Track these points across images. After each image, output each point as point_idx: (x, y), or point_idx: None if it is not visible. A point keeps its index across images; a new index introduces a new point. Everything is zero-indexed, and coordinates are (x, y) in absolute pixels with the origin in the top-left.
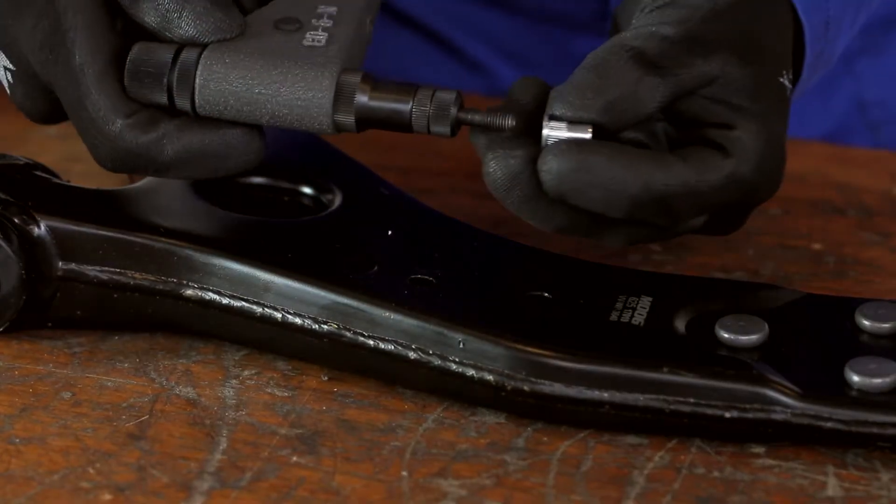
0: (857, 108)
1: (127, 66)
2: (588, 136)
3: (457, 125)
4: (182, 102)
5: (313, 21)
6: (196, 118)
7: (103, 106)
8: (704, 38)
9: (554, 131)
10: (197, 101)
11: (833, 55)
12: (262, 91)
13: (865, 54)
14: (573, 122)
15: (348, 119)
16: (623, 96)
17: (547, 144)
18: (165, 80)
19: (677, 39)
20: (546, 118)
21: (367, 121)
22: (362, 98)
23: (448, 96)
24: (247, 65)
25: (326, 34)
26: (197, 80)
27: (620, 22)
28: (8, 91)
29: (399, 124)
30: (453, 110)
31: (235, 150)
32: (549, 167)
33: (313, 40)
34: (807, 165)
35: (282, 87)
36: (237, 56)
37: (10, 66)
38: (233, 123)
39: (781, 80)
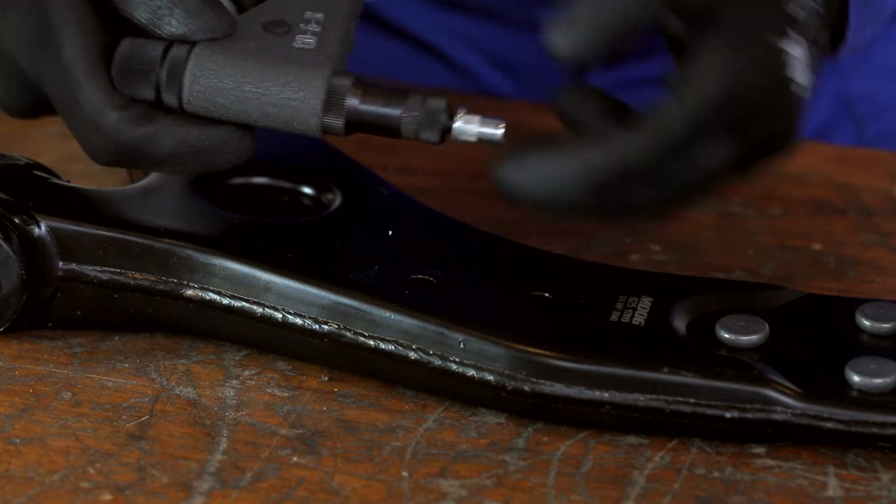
0: (843, 103)
1: (115, 61)
2: (500, 132)
3: (446, 132)
4: (170, 99)
5: (301, 25)
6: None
7: (96, 99)
8: None
9: (467, 125)
10: (185, 97)
11: (885, 7)
12: (253, 90)
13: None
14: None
15: (338, 122)
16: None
17: (458, 139)
18: (154, 76)
19: None
20: (460, 112)
21: (357, 124)
22: (352, 101)
23: (438, 104)
24: (238, 63)
25: (316, 38)
26: (186, 77)
27: None
28: None
29: (388, 129)
30: (443, 117)
31: (228, 145)
32: (497, 179)
33: (303, 43)
34: (807, 165)
35: (272, 86)
36: (228, 54)
37: None
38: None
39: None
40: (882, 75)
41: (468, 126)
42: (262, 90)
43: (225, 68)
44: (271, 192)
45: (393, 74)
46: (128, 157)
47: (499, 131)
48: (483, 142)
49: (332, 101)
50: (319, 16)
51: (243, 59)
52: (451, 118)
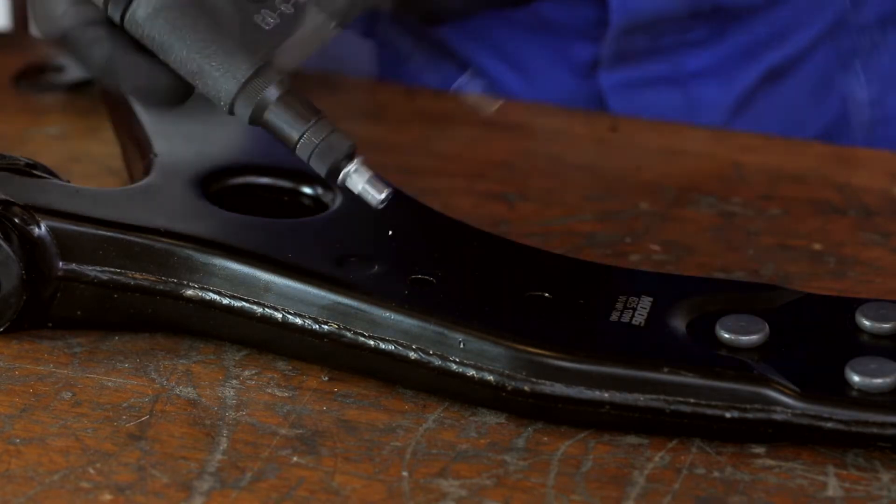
0: (851, 107)
1: None
2: (381, 197)
3: (335, 171)
4: (113, 12)
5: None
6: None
7: None
8: None
9: (356, 175)
10: (127, 16)
11: None
12: (188, 42)
13: (860, 53)
14: None
15: (244, 111)
16: None
17: (344, 184)
18: None
19: None
20: (357, 160)
21: (261, 122)
22: (266, 100)
23: (342, 144)
24: (189, 10)
25: (279, 20)
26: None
27: None
28: None
29: (286, 141)
30: (338, 157)
31: (155, 81)
32: None
33: (263, 20)
34: (807, 165)
35: (205, 49)
36: None
37: None
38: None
39: None
40: (891, 81)
41: (356, 177)
42: (196, 48)
43: (174, 10)
44: (271, 192)
45: (404, 71)
46: (67, 48)
47: (380, 196)
48: (362, 197)
49: (247, 90)
50: None
51: (197, 9)
52: (349, 160)
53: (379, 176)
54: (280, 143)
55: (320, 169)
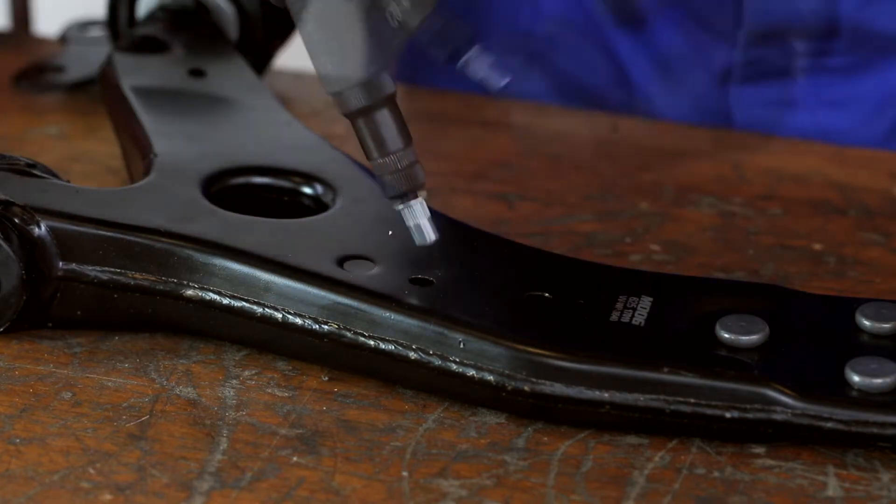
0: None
1: None
2: (426, 238)
3: (400, 196)
4: None
5: None
6: None
7: None
8: None
9: (417, 208)
10: None
11: None
12: (322, 20)
13: None
14: None
15: (342, 108)
16: None
17: (400, 211)
18: None
19: None
20: (421, 195)
21: (353, 121)
22: (363, 105)
23: (418, 175)
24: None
25: (400, 18)
26: None
27: None
28: None
29: (367, 152)
30: (406, 188)
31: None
32: None
33: (391, 15)
34: (807, 165)
35: (333, 37)
36: None
37: None
38: None
39: None
40: None
41: (414, 210)
42: (328, 30)
43: None
44: (271, 192)
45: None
46: None
47: (426, 237)
48: (410, 231)
49: (352, 93)
50: None
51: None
52: (412, 196)
53: (431, 222)
54: (361, 146)
55: (387, 191)
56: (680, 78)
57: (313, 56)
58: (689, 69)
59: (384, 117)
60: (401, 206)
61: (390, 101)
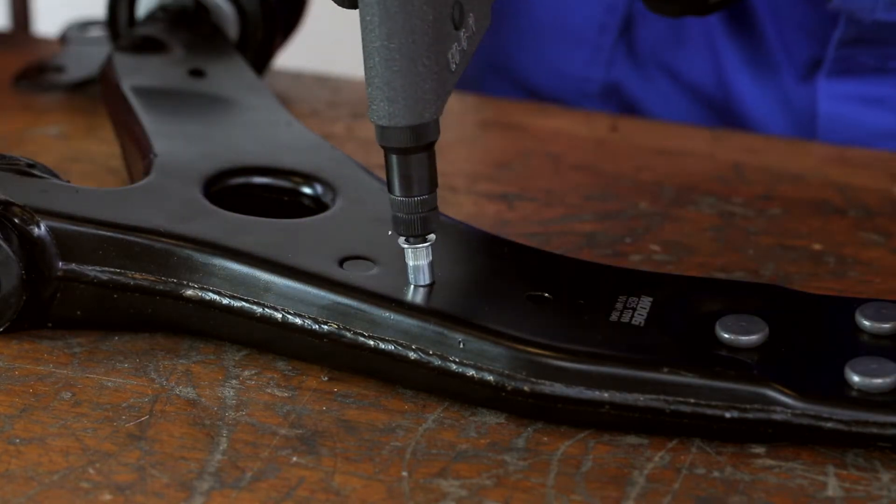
0: None
1: None
2: (419, 281)
3: (406, 240)
4: None
5: (463, 30)
6: None
7: None
8: None
9: (415, 251)
10: None
11: None
12: (392, 52)
13: None
14: None
15: (387, 141)
16: None
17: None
18: None
19: None
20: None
21: (386, 158)
22: (413, 149)
23: (434, 224)
24: (411, 12)
25: (460, 54)
26: None
27: None
28: None
29: (390, 185)
30: (416, 236)
31: None
32: None
33: (452, 56)
34: (807, 165)
35: (399, 71)
36: (422, 11)
37: None
38: None
39: None
40: None
41: (419, 252)
42: (393, 66)
43: (403, 17)
44: (271, 192)
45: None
46: None
47: (422, 280)
48: (407, 269)
49: (399, 132)
50: (472, 22)
51: (419, 20)
52: (422, 240)
53: (430, 266)
54: (387, 177)
55: (398, 228)
56: (769, 67)
57: (370, 84)
58: (778, 59)
59: (420, 160)
60: (406, 246)
61: (430, 147)
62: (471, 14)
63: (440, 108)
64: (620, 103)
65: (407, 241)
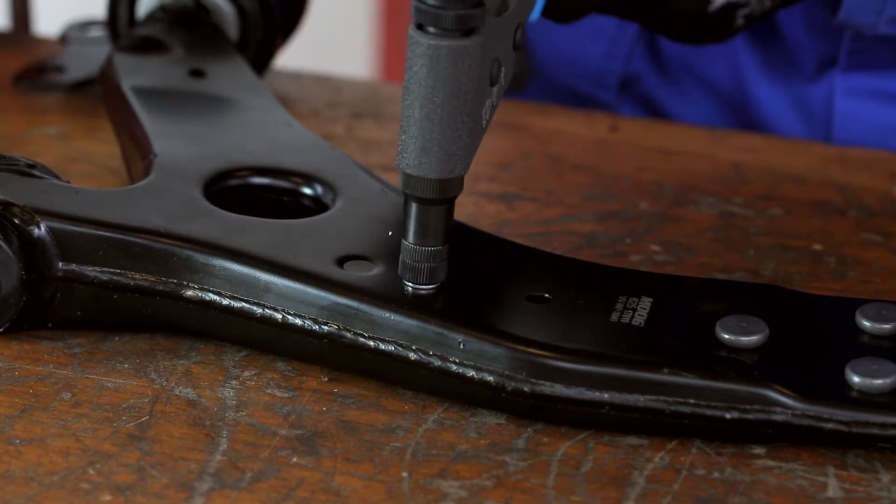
0: None
1: None
2: None
3: (412, 280)
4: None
5: (495, 87)
6: None
7: None
8: None
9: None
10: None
11: None
12: (425, 100)
13: None
14: None
15: (411, 190)
16: None
17: None
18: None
19: None
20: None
21: (406, 204)
22: (436, 201)
23: (441, 276)
24: (456, 78)
25: (490, 108)
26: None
27: None
28: None
29: (405, 230)
30: (417, 284)
31: None
32: None
33: (485, 111)
34: (807, 165)
35: (432, 124)
36: (466, 56)
37: None
38: None
39: None
40: None
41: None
42: (433, 117)
43: (453, 73)
44: (271, 192)
45: None
46: None
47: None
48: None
49: (425, 183)
50: (503, 76)
51: (465, 79)
52: (427, 285)
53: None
54: (403, 221)
55: (405, 274)
56: (785, 66)
57: (405, 131)
58: (794, 57)
59: (439, 213)
60: (409, 288)
61: (452, 201)
62: (503, 68)
63: (469, 164)
64: (638, 97)
65: (411, 284)
